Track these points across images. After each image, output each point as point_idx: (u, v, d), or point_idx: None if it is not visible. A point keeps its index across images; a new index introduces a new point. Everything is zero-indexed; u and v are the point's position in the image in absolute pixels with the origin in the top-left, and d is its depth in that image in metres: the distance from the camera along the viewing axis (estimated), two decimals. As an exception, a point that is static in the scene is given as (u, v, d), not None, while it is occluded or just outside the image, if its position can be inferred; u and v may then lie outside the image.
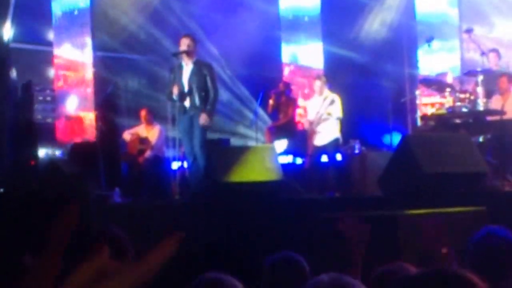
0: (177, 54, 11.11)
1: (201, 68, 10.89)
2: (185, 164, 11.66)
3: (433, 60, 15.51)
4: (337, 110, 12.28)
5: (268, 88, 14.51)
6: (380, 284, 3.20)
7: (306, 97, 15.70)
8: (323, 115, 12.34)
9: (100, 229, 3.97)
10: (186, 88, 10.81)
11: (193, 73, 10.83)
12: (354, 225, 4.44)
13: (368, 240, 4.27)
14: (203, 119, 10.67)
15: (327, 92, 12.58)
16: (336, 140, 12.33)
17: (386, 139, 14.57)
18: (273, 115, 14.53)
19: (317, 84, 12.69)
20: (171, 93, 10.84)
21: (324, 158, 12.35)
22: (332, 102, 12.29)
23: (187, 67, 10.90)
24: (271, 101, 14.04)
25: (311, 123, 12.45)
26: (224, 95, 15.55)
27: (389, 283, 2.10)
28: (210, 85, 10.82)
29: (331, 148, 12.26)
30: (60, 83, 16.22)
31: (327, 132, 12.29)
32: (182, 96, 10.80)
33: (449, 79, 13.56)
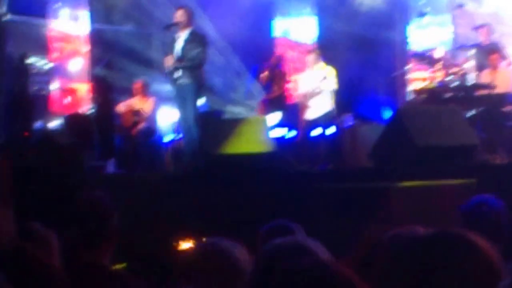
0: (168, 27, 11.04)
1: (194, 38, 10.81)
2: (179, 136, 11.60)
3: (424, 34, 15.43)
4: (331, 83, 12.21)
5: (261, 61, 14.45)
6: (390, 246, 3.15)
7: (296, 71, 15.65)
8: (317, 88, 12.27)
9: (82, 193, 3.97)
10: (176, 59, 10.71)
11: (185, 44, 10.75)
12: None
13: None
14: (167, 60, 10.67)
15: (321, 65, 12.49)
16: (329, 113, 12.27)
17: (378, 112, 14.52)
18: (267, 87, 14.46)
19: (310, 58, 12.61)
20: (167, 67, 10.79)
21: (317, 131, 12.29)
22: (325, 78, 12.22)
23: (181, 38, 10.83)
24: (265, 74, 13.98)
25: (304, 96, 12.40)
26: (217, 68, 15.47)
27: (398, 245, 2.05)
28: (197, 52, 10.71)
29: (324, 121, 12.18)
30: (55, 55, 16.13)
31: (320, 105, 12.24)
32: (176, 67, 10.73)
33: (440, 54, 13.49)
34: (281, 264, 2.08)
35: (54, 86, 15.92)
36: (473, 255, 1.89)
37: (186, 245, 7.78)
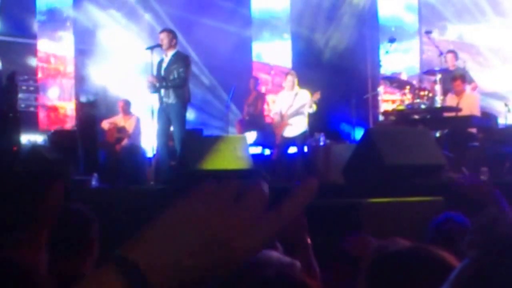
0: (151, 48, 11.05)
1: (177, 59, 10.85)
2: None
3: (390, 60, 15.55)
4: (311, 106, 12.33)
5: (238, 83, 14.57)
6: (373, 259, 3.13)
7: (269, 92, 15.75)
8: (303, 106, 12.32)
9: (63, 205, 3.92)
10: (162, 80, 10.77)
11: (169, 65, 10.81)
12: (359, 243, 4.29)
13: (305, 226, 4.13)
14: (149, 79, 10.70)
15: (297, 87, 12.57)
16: (305, 132, 12.35)
17: (350, 132, 14.56)
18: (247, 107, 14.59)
19: (289, 79, 12.66)
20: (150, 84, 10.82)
21: (292, 149, 12.33)
22: (304, 100, 12.31)
23: (166, 59, 10.88)
24: (246, 107, 14.33)
25: (282, 115, 12.42)
26: (197, 89, 15.50)
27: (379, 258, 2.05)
28: (178, 72, 10.73)
29: (300, 140, 12.27)
30: (42, 74, 16.13)
31: (298, 125, 12.29)
32: (159, 87, 10.77)
33: (404, 78, 13.63)
34: (248, 275, 2.05)
35: (41, 103, 15.91)
36: (445, 271, 1.88)
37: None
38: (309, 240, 3.93)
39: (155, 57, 11.04)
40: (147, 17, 16.50)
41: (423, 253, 1.95)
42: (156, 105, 10.95)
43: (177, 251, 1.12)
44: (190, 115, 13.52)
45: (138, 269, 1.11)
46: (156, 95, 10.93)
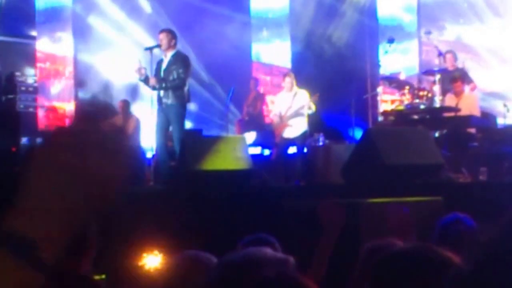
0: (150, 49, 11.02)
1: (177, 60, 10.81)
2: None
3: (389, 60, 15.56)
4: (310, 106, 12.35)
5: (238, 83, 14.57)
6: (368, 259, 3.13)
7: (267, 93, 15.76)
8: (301, 108, 12.32)
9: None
10: (161, 81, 10.74)
11: (169, 65, 10.76)
12: (331, 209, 4.32)
13: (342, 223, 4.18)
14: (152, 81, 10.68)
15: (296, 88, 12.57)
16: (305, 133, 12.36)
17: (349, 132, 14.56)
18: (247, 108, 14.57)
19: (287, 80, 12.67)
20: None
21: (292, 150, 12.33)
22: (304, 101, 12.32)
23: (165, 60, 10.84)
24: (245, 108, 14.30)
25: (281, 116, 12.42)
26: (197, 89, 15.49)
27: (376, 259, 2.05)
28: (177, 73, 10.71)
29: (300, 140, 12.27)
30: (41, 75, 16.14)
31: (297, 125, 12.29)
32: (159, 88, 10.74)
33: (403, 78, 13.62)
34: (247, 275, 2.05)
35: (40, 104, 15.91)
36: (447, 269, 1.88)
37: (152, 259, 7.56)
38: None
39: (155, 57, 11.01)
40: (147, 17, 16.49)
41: (428, 252, 1.95)
42: (156, 106, 10.94)
43: (57, 208, 1.13)
44: (190, 115, 13.51)
45: (28, 243, 1.11)
46: (155, 95, 10.91)
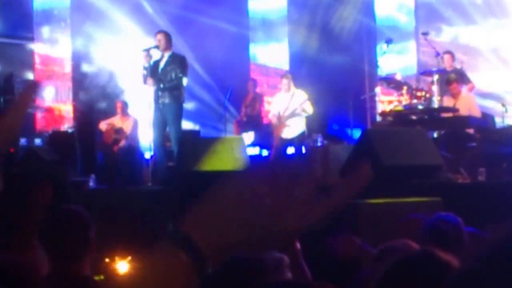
0: (147, 50, 11.03)
1: (174, 60, 10.84)
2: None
3: (387, 61, 15.55)
4: (310, 107, 12.36)
5: (236, 84, 14.57)
6: (381, 260, 3.12)
7: (264, 94, 15.76)
8: (296, 109, 12.33)
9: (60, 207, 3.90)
10: (158, 81, 10.76)
11: (166, 66, 10.79)
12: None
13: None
14: (149, 81, 10.68)
15: (293, 88, 12.59)
16: (303, 133, 12.37)
17: (347, 133, 14.55)
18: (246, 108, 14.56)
19: (284, 81, 12.69)
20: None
21: (290, 150, 12.33)
22: (303, 103, 12.33)
23: (162, 61, 10.86)
24: (244, 108, 14.28)
25: (279, 117, 12.42)
26: (194, 90, 15.49)
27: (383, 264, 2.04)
28: (175, 73, 10.73)
29: (298, 141, 12.29)
30: (39, 76, 16.12)
31: (295, 126, 12.31)
32: (156, 89, 10.76)
33: (399, 78, 13.62)
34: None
35: (38, 105, 15.89)
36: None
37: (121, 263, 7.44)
38: (298, 245, 3.93)
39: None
40: (146, 18, 16.46)
41: (434, 259, 1.94)
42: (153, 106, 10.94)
43: (227, 226, 1.19)
44: (188, 116, 13.50)
45: (190, 241, 1.19)
46: (152, 96, 10.92)
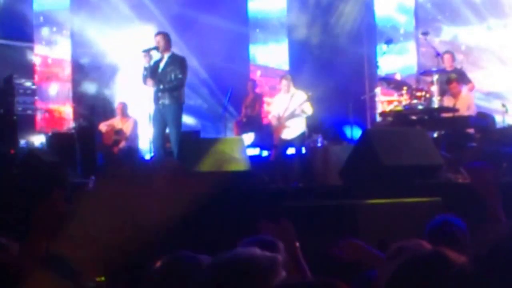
0: (147, 51, 11.03)
1: (174, 61, 10.85)
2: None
3: (387, 61, 15.55)
4: (309, 108, 12.35)
5: (236, 84, 14.56)
6: (394, 259, 3.12)
7: (265, 95, 15.75)
8: (295, 110, 12.33)
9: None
10: (158, 82, 10.76)
11: (166, 67, 10.80)
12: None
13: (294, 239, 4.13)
14: (149, 82, 10.70)
15: (293, 89, 12.59)
16: (303, 134, 12.37)
17: (347, 133, 14.54)
18: (245, 109, 14.56)
19: (284, 82, 12.69)
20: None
21: (290, 151, 12.32)
22: (302, 103, 12.32)
23: (162, 62, 10.87)
24: (248, 98, 14.27)
25: (279, 118, 12.42)
26: (194, 90, 15.48)
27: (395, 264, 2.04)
28: (175, 74, 10.73)
29: (298, 141, 12.28)
30: (39, 78, 16.14)
31: (295, 127, 12.30)
32: (156, 90, 10.76)
33: (398, 78, 13.62)
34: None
35: (38, 106, 15.91)
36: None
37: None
38: (298, 245, 3.92)
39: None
40: (145, 19, 16.45)
41: (443, 258, 1.94)
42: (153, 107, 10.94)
43: (98, 235, 1.22)
44: (187, 117, 13.50)
45: (65, 262, 1.21)
46: (152, 97, 10.92)
